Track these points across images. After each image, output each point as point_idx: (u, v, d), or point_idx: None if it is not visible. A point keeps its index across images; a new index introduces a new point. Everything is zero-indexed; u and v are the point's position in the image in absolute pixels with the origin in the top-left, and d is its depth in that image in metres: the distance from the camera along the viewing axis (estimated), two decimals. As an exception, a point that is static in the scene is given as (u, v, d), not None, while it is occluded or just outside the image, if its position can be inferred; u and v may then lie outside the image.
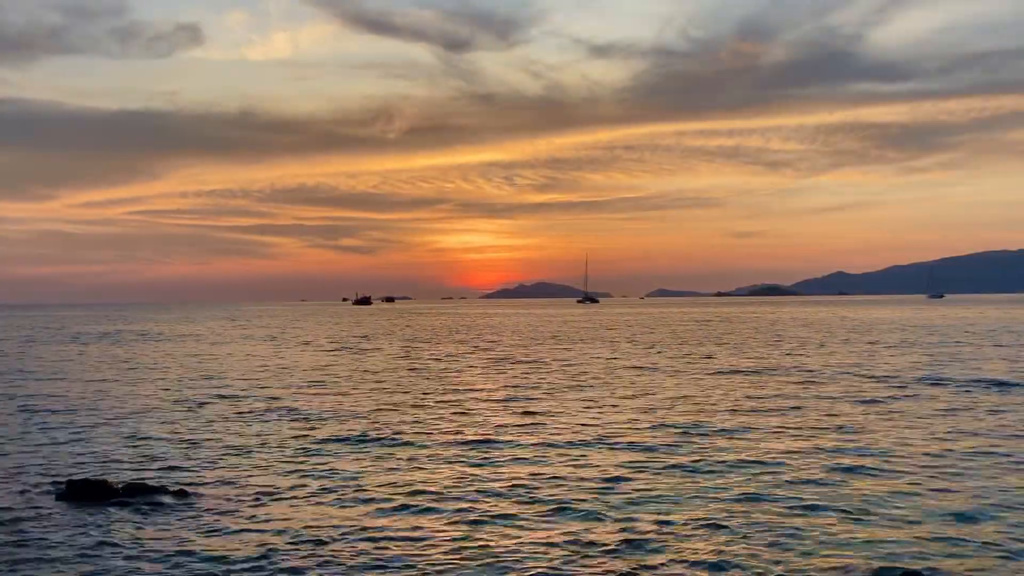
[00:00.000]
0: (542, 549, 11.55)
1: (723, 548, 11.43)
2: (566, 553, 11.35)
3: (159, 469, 17.13)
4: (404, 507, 13.90)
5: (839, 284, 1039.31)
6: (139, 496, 14.59)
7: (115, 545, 12.05)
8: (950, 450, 17.89)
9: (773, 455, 17.64)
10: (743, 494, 14.34)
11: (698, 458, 17.41)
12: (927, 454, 17.50)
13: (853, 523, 12.55)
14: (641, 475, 15.96)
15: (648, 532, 12.24)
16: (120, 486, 14.99)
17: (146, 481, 15.55)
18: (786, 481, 15.31)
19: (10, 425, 23.51)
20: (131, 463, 17.85)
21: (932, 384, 30.19)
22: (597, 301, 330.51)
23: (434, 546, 11.79)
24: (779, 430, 20.78)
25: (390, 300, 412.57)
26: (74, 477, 15.65)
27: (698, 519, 12.86)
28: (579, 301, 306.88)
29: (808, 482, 15.20)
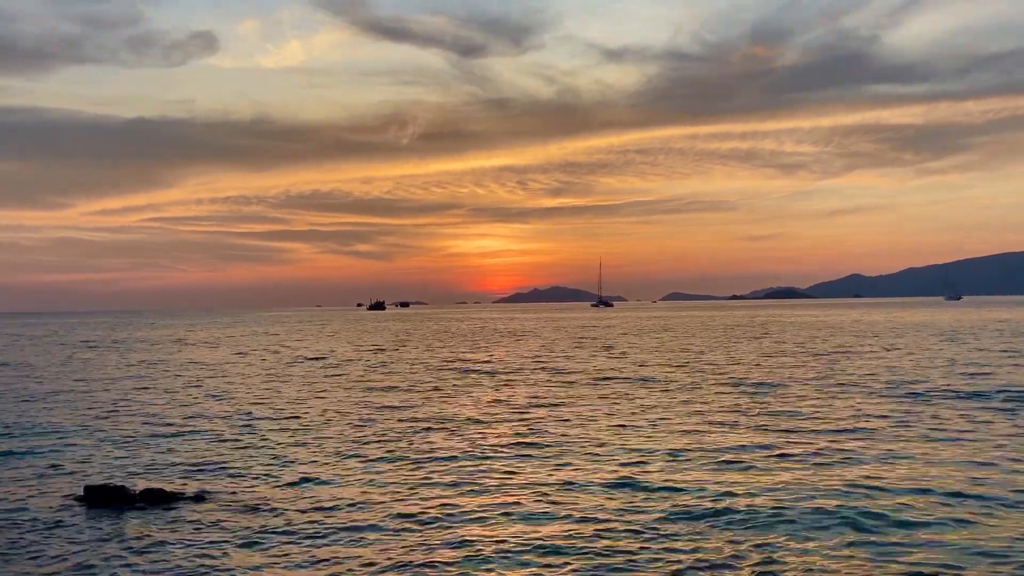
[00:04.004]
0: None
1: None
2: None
3: (177, 475, 17.10)
4: (433, 519, 13.80)
5: (854, 287, 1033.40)
6: (157, 502, 14.56)
7: (133, 551, 12.01)
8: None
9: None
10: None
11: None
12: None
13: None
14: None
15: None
16: (138, 491, 14.97)
17: (164, 487, 15.51)
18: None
19: (29, 430, 23.58)
20: (149, 468, 17.84)
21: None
22: (611, 305, 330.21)
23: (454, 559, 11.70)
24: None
25: (404, 305, 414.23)
26: (92, 482, 15.64)
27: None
28: (593, 305, 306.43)
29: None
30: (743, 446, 18.85)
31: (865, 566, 10.68)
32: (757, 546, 11.53)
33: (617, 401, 27.50)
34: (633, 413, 24.53)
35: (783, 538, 11.90)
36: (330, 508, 14.16)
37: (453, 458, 18.29)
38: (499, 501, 14.35)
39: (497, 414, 25.07)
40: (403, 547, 11.90)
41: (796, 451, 18.19)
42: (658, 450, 18.63)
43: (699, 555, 11.24)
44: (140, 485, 15.70)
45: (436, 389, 32.64)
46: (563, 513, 13.48)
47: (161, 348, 69.64)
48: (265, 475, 16.89)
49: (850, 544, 11.57)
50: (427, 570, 10.93)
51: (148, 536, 12.71)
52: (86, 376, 42.27)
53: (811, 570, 10.56)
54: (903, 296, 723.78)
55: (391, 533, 12.60)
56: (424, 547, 11.88)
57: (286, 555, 11.66)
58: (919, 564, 10.70)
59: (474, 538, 12.23)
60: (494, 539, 12.17)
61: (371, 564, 11.21)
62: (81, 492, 15.05)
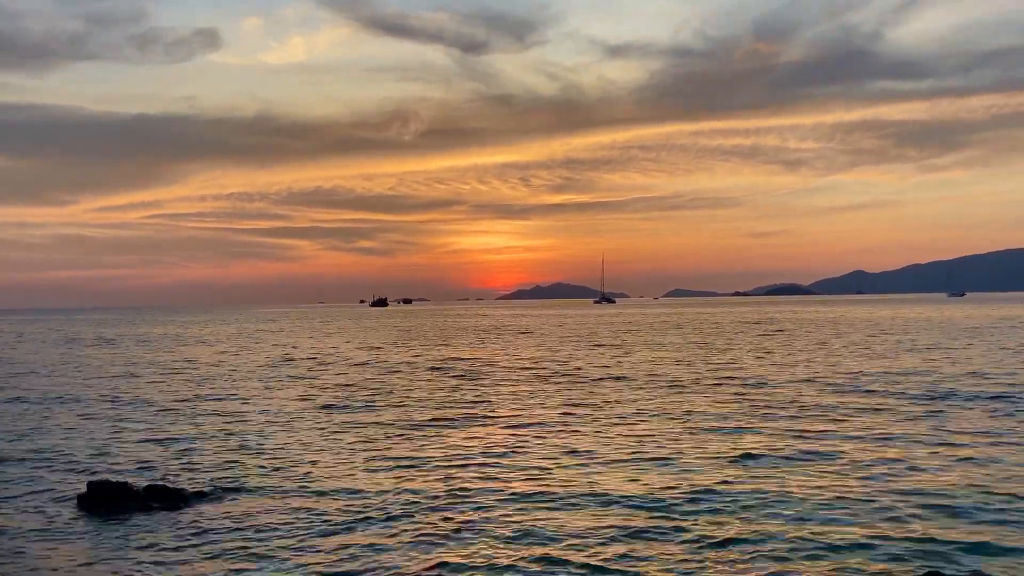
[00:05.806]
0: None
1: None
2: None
3: (179, 472, 17.07)
4: (436, 516, 13.75)
5: (857, 283, 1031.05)
6: (159, 499, 14.53)
7: (134, 549, 11.99)
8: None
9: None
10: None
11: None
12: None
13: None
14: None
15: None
16: (140, 488, 14.93)
17: (167, 484, 15.48)
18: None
19: (31, 426, 23.59)
20: (151, 465, 17.83)
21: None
22: (613, 301, 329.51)
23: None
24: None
25: (407, 302, 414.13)
26: (94, 479, 15.60)
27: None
28: (595, 302, 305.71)
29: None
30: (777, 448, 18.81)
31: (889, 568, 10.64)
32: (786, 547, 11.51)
33: (631, 406, 27.46)
34: (655, 417, 24.49)
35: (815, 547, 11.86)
36: (330, 506, 14.12)
37: (462, 454, 18.26)
38: (504, 497, 14.35)
39: (506, 414, 25.03)
40: (403, 544, 11.86)
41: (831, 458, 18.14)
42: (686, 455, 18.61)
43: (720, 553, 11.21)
44: (143, 482, 15.66)
45: (439, 387, 32.62)
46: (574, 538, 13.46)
47: (163, 345, 69.68)
48: (266, 473, 16.85)
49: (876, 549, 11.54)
50: (429, 567, 10.90)
51: (151, 533, 12.69)
52: (87, 373, 42.28)
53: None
54: (905, 292, 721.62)
55: (392, 530, 12.56)
56: (425, 545, 11.84)
57: (288, 553, 11.62)
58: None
59: (477, 529, 12.22)
60: (494, 536, 12.15)
61: (373, 562, 11.17)
62: (84, 489, 15.01)
